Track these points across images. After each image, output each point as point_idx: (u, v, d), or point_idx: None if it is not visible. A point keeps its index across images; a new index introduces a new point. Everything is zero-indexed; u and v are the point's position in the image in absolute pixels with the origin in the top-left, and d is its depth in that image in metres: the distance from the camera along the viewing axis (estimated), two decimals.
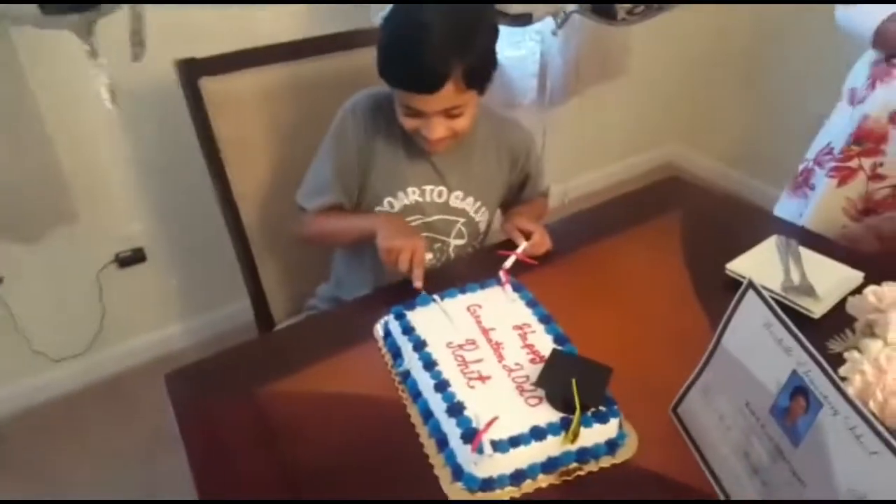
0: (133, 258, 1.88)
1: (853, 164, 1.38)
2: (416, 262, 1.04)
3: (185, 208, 1.86)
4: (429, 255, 1.24)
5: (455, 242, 1.25)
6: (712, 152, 2.88)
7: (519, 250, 1.10)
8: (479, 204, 1.23)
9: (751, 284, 0.74)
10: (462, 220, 1.24)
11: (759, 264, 1.09)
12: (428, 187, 1.20)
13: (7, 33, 1.44)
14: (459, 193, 1.21)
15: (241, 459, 0.82)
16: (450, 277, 1.07)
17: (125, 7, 1.15)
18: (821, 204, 1.43)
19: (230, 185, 1.34)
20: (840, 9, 1.39)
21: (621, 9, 1.32)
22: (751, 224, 1.29)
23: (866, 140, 1.35)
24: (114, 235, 1.84)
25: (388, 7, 1.07)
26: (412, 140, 1.16)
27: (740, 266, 1.09)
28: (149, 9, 1.29)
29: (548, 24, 1.98)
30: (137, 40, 1.16)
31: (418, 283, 1.04)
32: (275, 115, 1.34)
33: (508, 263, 1.07)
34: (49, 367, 1.87)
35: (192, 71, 1.25)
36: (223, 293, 1.93)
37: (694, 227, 1.27)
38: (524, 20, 1.35)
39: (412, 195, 1.19)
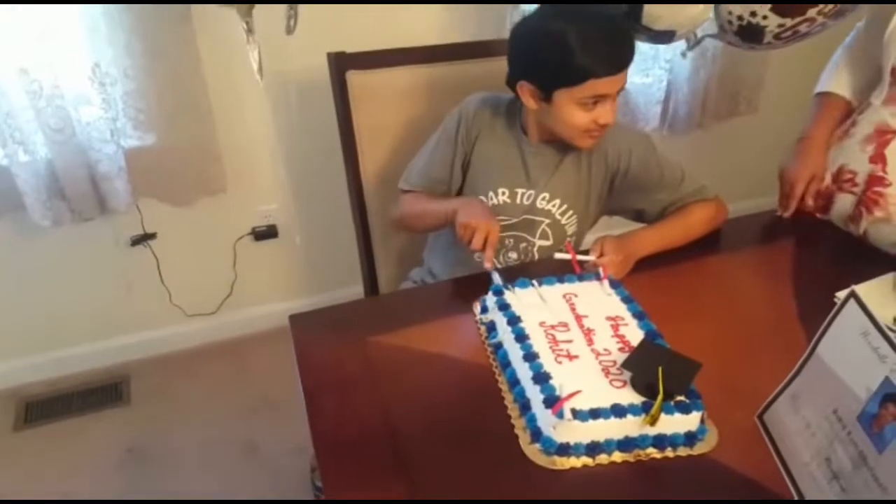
0: (267, 233, 2.08)
1: None
2: (490, 243, 1.09)
3: (316, 194, 2.03)
4: (513, 255, 1.30)
5: (540, 243, 1.29)
6: None
7: (579, 257, 1.10)
8: (565, 207, 1.27)
9: (853, 294, 0.74)
10: (547, 221, 1.28)
11: (872, 296, 1.06)
12: (519, 190, 1.27)
13: (189, 13, 1.66)
14: (546, 195, 1.26)
15: (347, 394, 0.93)
16: (527, 275, 1.08)
17: None
18: None
19: (360, 171, 1.47)
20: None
21: (769, 33, 1.29)
22: (867, 261, 1.24)
23: None
24: (252, 210, 2.05)
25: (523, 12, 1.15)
26: (509, 142, 1.26)
27: None
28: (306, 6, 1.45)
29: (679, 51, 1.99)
30: (292, 13, 1.32)
31: (488, 264, 1.09)
32: (408, 111, 1.46)
33: (558, 256, 1.11)
34: (182, 320, 2.10)
35: (342, 63, 1.40)
36: (340, 277, 2.05)
37: (806, 255, 1.25)
38: (667, 37, 1.35)
39: (502, 196, 1.27)
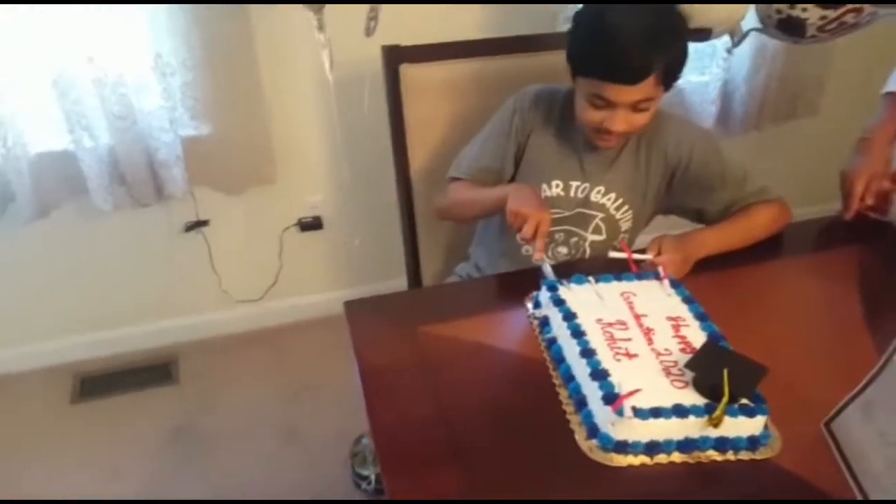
0: (312, 224, 2.10)
1: None
2: (540, 233, 1.05)
3: (362, 188, 2.04)
4: (563, 249, 1.29)
5: (592, 238, 1.27)
6: None
7: (636, 256, 1.08)
8: (620, 201, 1.25)
9: None
10: (601, 215, 1.26)
11: None
12: (574, 183, 1.25)
13: (247, 6, 1.67)
14: (601, 188, 1.24)
15: (400, 380, 0.94)
16: (578, 271, 1.06)
17: None
18: None
19: (409, 165, 1.47)
20: None
21: (811, 25, 1.25)
22: None
23: None
24: (299, 201, 2.07)
25: (576, 6, 1.12)
26: (565, 135, 1.23)
27: None
28: None
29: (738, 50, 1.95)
30: (373, 16, 1.31)
31: (538, 254, 1.05)
32: (459, 105, 1.45)
33: (613, 254, 1.08)
34: (230, 306, 2.14)
35: (395, 56, 1.39)
36: (383, 270, 2.06)
37: (870, 260, 1.21)
38: (703, 35, 1.32)
39: (556, 188, 1.25)
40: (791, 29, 1.31)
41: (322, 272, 2.23)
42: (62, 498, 1.68)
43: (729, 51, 1.54)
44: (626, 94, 1.06)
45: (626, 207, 1.26)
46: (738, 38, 1.48)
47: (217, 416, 1.92)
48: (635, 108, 1.09)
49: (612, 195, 1.25)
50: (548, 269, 1.06)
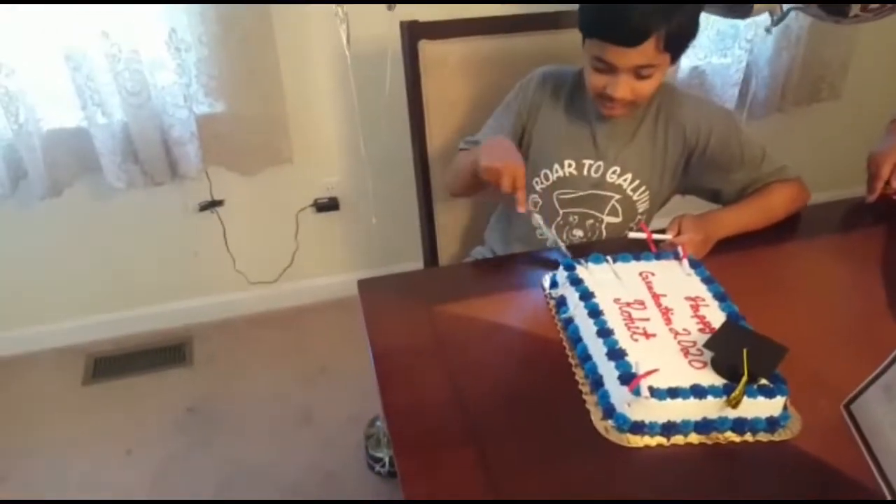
0: (328, 205, 2.09)
1: None
2: (518, 186, 1.05)
3: (380, 169, 2.02)
4: (579, 232, 1.27)
5: (608, 220, 1.25)
6: None
7: (656, 236, 1.06)
8: (637, 182, 1.22)
9: None
10: (617, 196, 1.23)
11: None
12: (587, 161, 1.22)
13: None
14: (617, 169, 1.21)
15: (414, 360, 0.93)
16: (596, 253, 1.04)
17: None
18: None
19: (426, 144, 1.46)
20: None
21: (855, 5, 1.21)
22: None
23: None
24: (316, 182, 2.06)
25: None
26: (576, 113, 1.22)
27: None
28: None
29: (761, 31, 1.91)
30: None
31: (521, 208, 1.05)
32: (478, 84, 1.43)
33: (632, 235, 1.07)
34: (245, 287, 2.14)
35: (415, 32, 1.37)
36: (399, 252, 2.06)
37: (894, 243, 1.18)
38: (744, 11, 1.29)
39: (568, 168, 1.22)
40: (833, 8, 1.27)
41: (338, 254, 2.22)
42: (74, 478, 1.70)
43: (768, 30, 1.51)
44: (626, 57, 1.04)
45: (643, 188, 1.23)
46: (777, 16, 1.44)
47: (231, 397, 1.92)
48: (637, 74, 1.07)
49: (629, 175, 1.22)
50: (548, 233, 1.06)
